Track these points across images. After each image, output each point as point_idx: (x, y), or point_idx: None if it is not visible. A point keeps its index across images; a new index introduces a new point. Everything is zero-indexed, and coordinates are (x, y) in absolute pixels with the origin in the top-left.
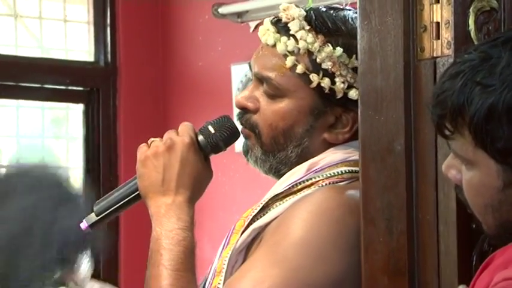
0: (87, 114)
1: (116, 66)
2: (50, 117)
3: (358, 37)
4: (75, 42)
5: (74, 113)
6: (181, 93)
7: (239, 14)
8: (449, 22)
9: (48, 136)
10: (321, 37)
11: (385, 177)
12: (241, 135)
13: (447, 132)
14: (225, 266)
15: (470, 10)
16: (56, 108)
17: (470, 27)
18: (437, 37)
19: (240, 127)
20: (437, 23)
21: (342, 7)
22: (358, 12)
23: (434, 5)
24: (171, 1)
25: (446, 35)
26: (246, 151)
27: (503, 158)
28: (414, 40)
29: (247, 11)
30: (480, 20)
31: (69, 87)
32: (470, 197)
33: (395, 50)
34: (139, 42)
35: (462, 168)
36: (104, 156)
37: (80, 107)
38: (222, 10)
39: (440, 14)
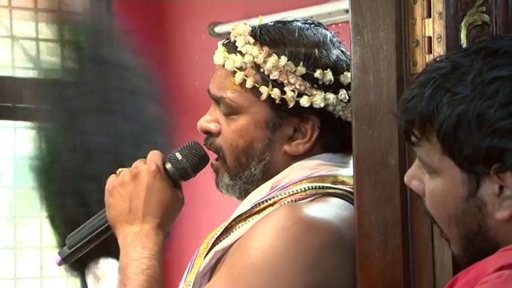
0: None
1: None
2: None
3: (351, 52)
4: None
5: None
6: (178, 113)
7: None
8: (441, 36)
9: None
10: (265, 49)
11: (380, 192)
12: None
13: (414, 139)
14: None
15: (462, 24)
16: None
17: (462, 42)
18: (430, 51)
19: (211, 158)
20: (430, 38)
21: (290, 20)
22: (350, 27)
23: (426, 20)
24: (167, 21)
25: (439, 49)
26: (217, 184)
27: (470, 166)
28: (407, 54)
29: None
30: (472, 34)
31: None
32: (434, 207)
33: (388, 65)
34: None
35: (425, 178)
36: None
37: None
38: (218, 29)
39: (432, 28)
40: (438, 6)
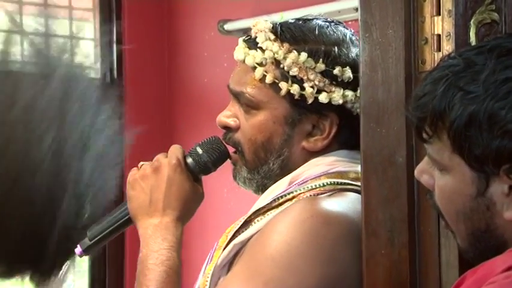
0: None
1: (122, 83)
2: None
3: (360, 50)
4: (81, 59)
5: None
6: (187, 109)
7: (245, 31)
8: (450, 34)
9: None
10: (286, 45)
11: (387, 189)
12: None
13: (425, 136)
14: (208, 283)
15: (471, 22)
16: None
17: (471, 40)
18: (439, 49)
19: (231, 150)
20: (439, 35)
21: (311, 18)
22: (359, 24)
23: (435, 18)
24: (177, 18)
25: (448, 47)
26: (234, 176)
27: (480, 166)
28: (415, 52)
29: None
30: (481, 33)
31: None
32: (443, 203)
33: (397, 62)
34: (145, 59)
35: (435, 174)
36: None
37: None
38: (228, 27)
39: (441, 26)
40: (447, 4)
